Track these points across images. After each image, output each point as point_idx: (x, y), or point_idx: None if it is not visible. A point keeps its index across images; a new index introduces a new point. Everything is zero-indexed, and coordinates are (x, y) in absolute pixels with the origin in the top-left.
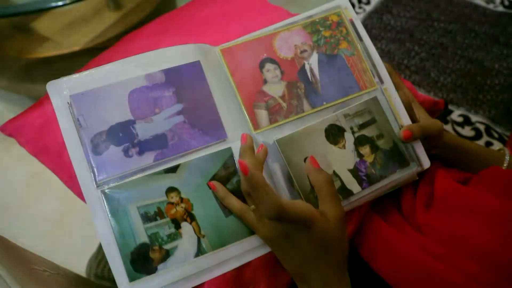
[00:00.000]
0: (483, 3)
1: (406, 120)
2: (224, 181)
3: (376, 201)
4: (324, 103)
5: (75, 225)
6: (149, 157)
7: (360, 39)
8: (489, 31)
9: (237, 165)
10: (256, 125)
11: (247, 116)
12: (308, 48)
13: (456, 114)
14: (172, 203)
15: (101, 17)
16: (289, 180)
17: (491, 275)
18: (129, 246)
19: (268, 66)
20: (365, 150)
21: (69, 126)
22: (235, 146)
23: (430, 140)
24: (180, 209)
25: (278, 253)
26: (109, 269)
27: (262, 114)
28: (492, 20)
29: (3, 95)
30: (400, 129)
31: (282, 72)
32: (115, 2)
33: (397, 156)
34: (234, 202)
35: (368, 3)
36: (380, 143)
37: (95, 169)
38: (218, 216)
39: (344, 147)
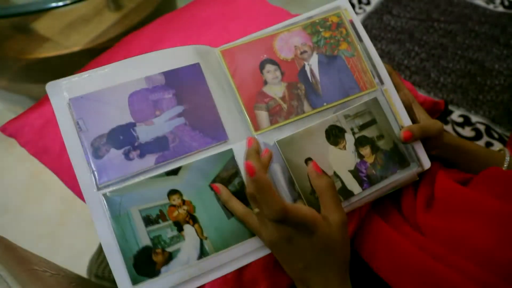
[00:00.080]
0: (483, 4)
1: (406, 120)
2: (225, 182)
3: (377, 202)
4: (325, 104)
5: (75, 225)
6: (150, 160)
7: (360, 39)
8: (489, 31)
9: (240, 167)
10: (256, 126)
11: (247, 117)
12: (308, 49)
13: (456, 115)
14: (174, 206)
15: (102, 17)
16: (290, 181)
17: (491, 275)
18: (132, 249)
19: (268, 67)
20: (366, 151)
21: (69, 128)
22: (236, 148)
23: (431, 141)
24: (182, 211)
25: (280, 257)
26: (110, 270)
27: (263, 115)
28: (492, 21)
29: (3, 95)
30: (400, 129)
31: (282, 73)
32: (116, 2)
33: (397, 156)
34: (237, 206)
35: (368, 3)
36: (381, 143)
37: (95, 173)
38: (221, 218)
39: (344, 148)
